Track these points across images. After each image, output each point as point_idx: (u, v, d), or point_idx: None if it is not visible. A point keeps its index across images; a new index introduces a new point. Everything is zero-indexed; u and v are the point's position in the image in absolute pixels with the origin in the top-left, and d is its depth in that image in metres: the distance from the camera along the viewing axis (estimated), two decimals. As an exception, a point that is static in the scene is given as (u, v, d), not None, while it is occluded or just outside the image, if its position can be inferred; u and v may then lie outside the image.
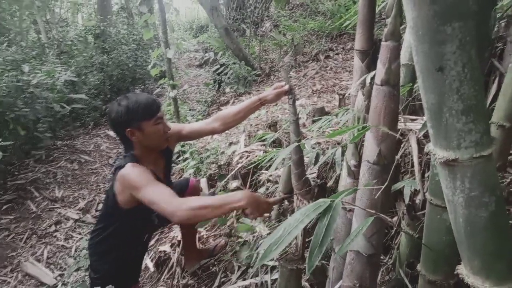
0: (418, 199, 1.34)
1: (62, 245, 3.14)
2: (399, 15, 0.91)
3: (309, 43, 5.71)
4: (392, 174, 1.00)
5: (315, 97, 3.94)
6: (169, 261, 2.34)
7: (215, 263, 2.13)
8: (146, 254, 2.36)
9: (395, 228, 1.51)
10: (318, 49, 5.35)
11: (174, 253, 2.33)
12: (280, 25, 6.90)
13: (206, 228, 2.44)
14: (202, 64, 8.70)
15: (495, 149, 0.70)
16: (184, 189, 2.07)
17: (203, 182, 2.62)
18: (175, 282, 2.16)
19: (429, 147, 0.74)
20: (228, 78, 5.47)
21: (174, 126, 1.81)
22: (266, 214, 1.52)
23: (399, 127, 1.49)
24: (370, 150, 1.00)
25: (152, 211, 1.51)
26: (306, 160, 1.78)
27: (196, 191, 2.15)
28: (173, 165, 2.59)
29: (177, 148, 3.21)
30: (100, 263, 1.81)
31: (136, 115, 1.57)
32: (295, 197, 1.84)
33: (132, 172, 1.54)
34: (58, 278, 2.75)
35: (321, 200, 0.78)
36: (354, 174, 1.24)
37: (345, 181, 1.32)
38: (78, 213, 3.56)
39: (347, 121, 1.58)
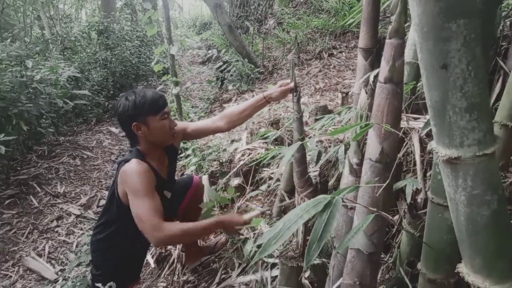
0: (420, 198, 1.34)
1: (64, 240, 3.15)
2: (403, 13, 0.90)
3: (313, 41, 5.69)
4: (394, 172, 1.00)
5: (318, 95, 3.93)
6: (170, 257, 2.35)
7: (216, 260, 2.13)
8: (148, 250, 2.37)
9: (396, 227, 1.51)
10: (321, 47, 5.34)
11: (175, 249, 2.34)
12: (283, 22, 6.88)
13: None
14: (205, 62, 8.70)
15: (498, 148, 0.69)
16: (188, 186, 2.08)
17: (205, 179, 2.63)
18: (175, 278, 2.17)
19: (432, 145, 0.74)
20: (231, 75, 5.46)
21: (179, 124, 1.81)
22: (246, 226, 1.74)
23: (401, 126, 1.49)
24: (373, 148, 1.00)
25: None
26: (308, 158, 1.78)
27: (200, 189, 2.15)
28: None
29: (179, 145, 3.22)
30: (101, 259, 1.81)
31: (143, 110, 1.58)
32: (296, 195, 1.84)
33: (134, 175, 1.55)
34: (59, 273, 2.77)
35: (321, 196, 0.78)
36: (356, 172, 1.23)
37: (347, 179, 1.32)
38: (79, 209, 3.58)
39: (349, 120, 1.58)
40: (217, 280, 1.93)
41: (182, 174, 3.10)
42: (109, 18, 7.24)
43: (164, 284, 2.19)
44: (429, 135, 1.45)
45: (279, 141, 2.63)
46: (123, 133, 5.24)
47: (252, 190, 2.36)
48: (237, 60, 5.67)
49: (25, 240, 3.11)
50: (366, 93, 1.47)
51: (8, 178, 3.84)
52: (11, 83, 3.76)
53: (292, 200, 1.89)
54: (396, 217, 1.49)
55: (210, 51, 8.59)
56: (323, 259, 1.52)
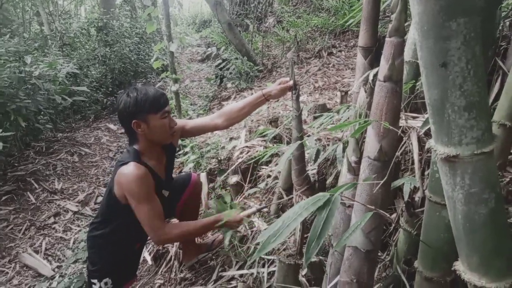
0: (417, 196, 1.34)
1: (61, 237, 3.15)
2: (404, 11, 0.90)
3: (312, 39, 5.69)
4: (392, 170, 1.00)
5: (317, 93, 3.94)
6: (167, 254, 2.35)
7: (213, 257, 2.14)
8: (145, 247, 2.37)
9: (393, 225, 1.51)
10: (321, 45, 5.33)
11: (172, 247, 2.34)
12: (283, 21, 6.87)
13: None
14: (204, 59, 8.69)
15: (495, 148, 0.70)
16: (186, 184, 2.08)
17: (203, 177, 2.62)
18: (172, 276, 2.17)
19: (430, 143, 0.74)
20: (230, 73, 5.46)
21: (177, 121, 1.81)
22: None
23: (400, 125, 1.49)
24: (371, 146, 1.00)
25: None
26: (306, 156, 1.79)
27: (198, 186, 2.15)
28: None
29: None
30: (98, 256, 1.81)
31: (144, 107, 1.58)
32: (294, 193, 1.84)
33: (133, 180, 1.58)
34: (56, 269, 2.76)
35: (320, 194, 0.78)
36: (354, 170, 1.24)
37: (345, 177, 1.32)
38: (77, 206, 3.57)
39: (348, 118, 1.58)
40: (214, 277, 1.93)
41: (180, 172, 3.10)
42: (109, 14, 7.21)
43: (161, 281, 2.19)
44: (427, 134, 1.45)
45: (277, 139, 2.63)
46: (122, 130, 5.25)
47: (250, 188, 2.37)
48: (236, 58, 5.66)
49: (22, 237, 3.10)
50: (365, 91, 1.48)
51: (6, 174, 3.83)
52: (10, 78, 3.75)
53: (290, 197, 1.89)
54: (394, 215, 1.50)
55: (209, 49, 8.59)
56: (321, 257, 1.53)
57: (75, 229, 3.24)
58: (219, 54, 6.71)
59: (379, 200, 1.00)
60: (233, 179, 2.46)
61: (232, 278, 1.83)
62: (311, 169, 1.98)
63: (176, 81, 3.84)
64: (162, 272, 2.27)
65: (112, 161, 4.51)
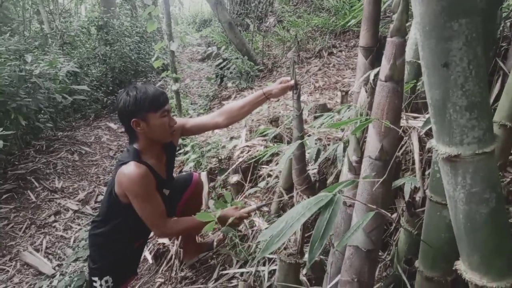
0: (418, 196, 1.35)
1: (61, 236, 3.15)
2: (405, 12, 0.91)
3: (313, 39, 5.69)
4: (393, 170, 1.01)
5: (317, 93, 3.94)
6: (168, 253, 2.35)
7: (214, 256, 2.14)
8: (145, 246, 2.37)
9: (394, 225, 1.51)
10: (321, 45, 5.34)
11: (173, 245, 2.34)
12: (284, 20, 6.87)
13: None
14: (204, 59, 8.69)
15: (496, 148, 0.70)
16: (187, 183, 2.08)
17: (203, 176, 2.63)
18: (173, 274, 2.17)
19: (432, 143, 0.74)
20: (231, 73, 5.46)
21: (177, 120, 1.81)
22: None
23: (401, 124, 1.49)
24: (372, 146, 1.00)
25: None
26: (307, 155, 1.79)
27: (199, 186, 2.16)
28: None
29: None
30: (98, 254, 1.82)
31: (143, 106, 1.58)
32: (295, 192, 1.84)
33: (134, 179, 1.59)
34: (57, 268, 2.77)
35: (322, 194, 0.78)
36: (355, 170, 1.24)
37: (346, 177, 1.32)
38: (77, 204, 3.57)
39: (349, 118, 1.58)
40: (215, 276, 1.93)
41: (181, 171, 3.10)
42: (109, 13, 7.21)
43: (162, 280, 2.19)
44: (428, 134, 1.46)
45: (278, 139, 2.63)
46: (122, 129, 5.25)
47: (251, 187, 2.37)
48: (237, 58, 5.67)
49: (23, 235, 3.11)
50: (366, 91, 1.48)
51: (6, 172, 3.83)
52: (10, 77, 3.75)
53: (290, 195, 1.89)
54: (394, 215, 1.50)
55: (209, 48, 8.59)
56: (321, 256, 1.53)
57: (76, 228, 3.25)
58: (219, 53, 6.71)
59: (380, 199, 1.01)
60: (234, 178, 2.46)
61: (233, 277, 1.84)
62: (312, 169, 1.98)
63: (176, 80, 3.84)
64: (163, 271, 2.27)
65: (112, 160, 4.52)
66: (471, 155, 0.67)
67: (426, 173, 1.39)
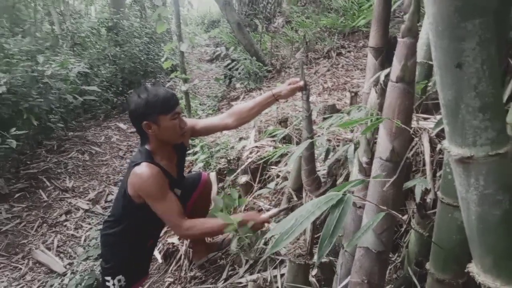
0: (429, 198, 1.34)
1: (72, 235, 3.19)
2: (417, 12, 0.90)
3: (321, 40, 5.67)
4: (404, 171, 1.00)
5: (326, 94, 3.93)
6: (177, 253, 2.37)
7: (223, 256, 2.15)
8: (156, 246, 2.39)
9: (404, 226, 1.50)
10: (330, 46, 5.32)
11: (182, 245, 2.36)
12: (292, 21, 6.87)
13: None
14: (213, 59, 8.72)
15: (509, 149, 0.69)
16: (196, 183, 2.10)
17: (212, 176, 2.64)
18: (182, 274, 2.18)
19: (444, 144, 0.74)
20: (239, 73, 5.47)
21: (187, 121, 1.82)
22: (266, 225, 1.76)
23: (411, 125, 1.48)
24: (383, 147, 1.00)
25: None
26: (316, 156, 1.79)
27: (208, 186, 2.17)
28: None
29: (187, 142, 3.24)
30: (110, 253, 1.84)
31: (154, 109, 1.59)
32: (304, 193, 1.84)
33: (147, 180, 1.60)
34: (68, 266, 2.80)
35: (332, 193, 0.79)
36: (365, 171, 1.24)
37: (356, 178, 1.32)
38: (88, 204, 3.62)
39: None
40: (224, 276, 1.94)
41: (190, 171, 3.12)
42: (119, 14, 7.27)
43: (171, 280, 2.21)
44: (439, 135, 1.45)
45: (287, 140, 2.63)
46: (131, 129, 5.30)
47: (260, 188, 2.37)
48: (245, 58, 5.68)
49: (35, 234, 3.15)
50: (376, 92, 1.47)
51: (18, 172, 3.89)
52: (22, 78, 3.81)
53: (300, 198, 1.89)
54: (405, 216, 1.49)
55: (218, 49, 8.61)
56: (331, 258, 1.53)
57: (86, 227, 3.28)
58: (228, 54, 6.73)
59: (390, 201, 1.00)
60: (243, 178, 2.47)
61: (242, 277, 1.84)
62: (321, 170, 1.98)
63: (186, 81, 3.86)
64: (172, 271, 2.29)
65: (122, 160, 4.56)
66: (484, 156, 0.66)
67: (437, 174, 1.38)
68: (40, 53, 4.54)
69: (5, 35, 4.98)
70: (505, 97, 1.48)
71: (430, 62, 1.63)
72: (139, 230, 1.76)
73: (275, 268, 1.70)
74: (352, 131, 2.04)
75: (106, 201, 3.70)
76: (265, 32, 6.82)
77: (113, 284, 1.78)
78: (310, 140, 1.58)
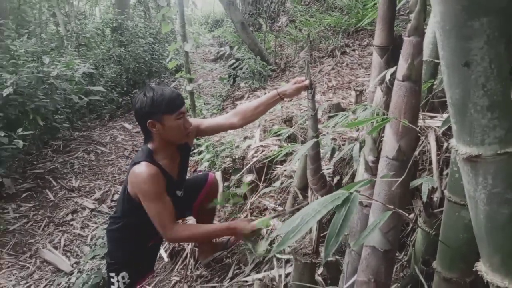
0: (436, 196, 1.33)
1: (78, 234, 3.22)
2: (423, 11, 0.90)
3: (325, 38, 5.66)
4: (410, 170, 1.00)
5: (331, 93, 3.92)
6: (183, 252, 2.38)
7: (229, 255, 2.15)
8: (161, 245, 2.40)
9: (411, 225, 1.50)
10: (334, 45, 5.31)
11: (188, 244, 2.37)
12: (296, 20, 6.86)
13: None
14: (217, 59, 8.74)
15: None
16: (203, 183, 2.10)
17: (218, 176, 2.64)
18: (188, 273, 2.20)
19: (452, 143, 0.74)
20: (243, 73, 5.47)
21: (192, 121, 1.83)
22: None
23: (418, 124, 1.48)
24: (390, 146, 1.00)
25: None
26: (321, 155, 1.78)
27: (215, 186, 2.17)
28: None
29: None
30: (115, 249, 1.86)
31: (159, 108, 1.60)
32: (309, 192, 1.84)
33: (144, 179, 1.61)
34: (74, 265, 2.83)
35: (339, 191, 0.79)
36: (371, 170, 1.23)
37: (361, 177, 1.32)
38: (94, 203, 3.64)
39: (365, 117, 1.58)
40: (230, 275, 1.95)
41: (195, 170, 3.13)
42: (123, 15, 7.31)
43: (177, 278, 2.22)
44: (445, 133, 1.44)
45: (292, 139, 2.63)
46: (136, 129, 5.32)
47: (265, 187, 2.38)
48: (249, 58, 5.68)
49: (42, 233, 3.18)
50: (382, 91, 1.47)
51: (25, 172, 3.93)
52: (28, 78, 3.84)
53: (305, 197, 1.89)
54: (412, 215, 1.49)
55: (222, 49, 8.63)
56: (337, 256, 1.53)
57: (92, 226, 3.31)
58: (232, 53, 6.74)
59: (397, 199, 1.00)
60: (248, 178, 2.47)
61: (248, 275, 1.85)
62: (327, 169, 1.98)
63: (191, 80, 3.88)
64: (178, 269, 2.30)
65: (128, 159, 4.58)
66: (492, 155, 0.66)
67: (444, 173, 1.37)
68: (46, 54, 4.58)
69: (11, 36, 5.03)
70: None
71: (436, 61, 1.63)
72: (140, 228, 1.77)
73: (281, 267, 1.70)
74: (357, 130, 2.04)
75: (112, 201, 3.72)
76: (269, 31, 6.82)
77: (117, 281, 1.80)
78: (315, 139, 1.58)
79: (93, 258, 2.81)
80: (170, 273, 2.31)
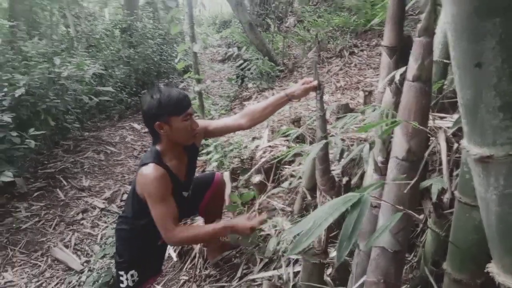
0: (446, 197, 1.33)
1: (89, 233, 3.25)
2: (433, 11, 0.90)
3: (333, 39, 5.65)
4: (421, 171, 1.00)
5: (339, 93, 3.91)
6: (192, 251, 2.39)
7: (237, 255, 2.16)
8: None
9: (420, 226, 1.50)
10: (342, 45, 5.29)
11: (197, 244, 2.38)
12: (304, 20, 6.85)
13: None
14: (225, 59, 8.76)
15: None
16: (209, 183, 2.11)
17: (226, 176, 2.66)
18: (197, 272, 2.21)
19: (463, 143, 0.74)
20: (251, 73, 5.48)
21: (200, 122, 1.83)
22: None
23: (428, 125, 1.47)
24: (399, 147, 1.00)
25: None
26: (330, 156, 1.79)
27: (221, 186, 2.18)
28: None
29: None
30: (123, 248, 1.88)
31: (167, 110, 1.61)
32: (318, 193, 1.84)
33: (151, 181, 1.63)
34: (85, 264, 2.86)
35: (350, 194, 0.79)
36: (381, 171, 1.23)
37: (371, 178, 1.32)
38: (104, 203, 3.68)
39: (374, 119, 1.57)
40: (239, 274, 1.96)
41: (204, 170, 3.15)
42: (132, 16, 7.37)
43: (186, 278, 2.24)
44: (455, 134, 1.43)
45: (300, 139, 2.63)
46: (145, 130, 5.36)
47: (274, 187, 2.38)
48: (257, 58, 5.68)
49: (53, 232, 3.23)
50: (391, 91, 1.47)
51: (36, 171, 3.99)
52: (40, 79, 3.90)
53: (314, 197, 1.90)
54: (421, 216, 1.48)
55: (230, 49, 8.65)
56: (346, 257, 1.53)
57: (102, 225, 3.34)
58: (240, 54, 6.75)
59: (407, 200, 1.00)
60: (256, 178, 2.48)
61: (257, 275, 1.85)
62: (336, 169, 1.97)
63: (199, 81, 3.90)
64: (187, 269, 2.31)
65: (137, 159, 4.63)
66: (504, 156, 0.66)
67: (454, 174, 1.36)
68: (57, 55, 4.64)
69: (23, 38, 5.10)
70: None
71: (446, 61, 1.62)
72: (148, 228, 1.78)
73: (288, 266, 1.71)
74: (367, 130, 2.03)
75: (121, 200, 3.76)
76: (277, 31, 6.82)
77: (126, 279, 1.82)
78: (324, 140, 1.58)
79: (103, 257, 2.85)
80: (179, 272, 2.33)
